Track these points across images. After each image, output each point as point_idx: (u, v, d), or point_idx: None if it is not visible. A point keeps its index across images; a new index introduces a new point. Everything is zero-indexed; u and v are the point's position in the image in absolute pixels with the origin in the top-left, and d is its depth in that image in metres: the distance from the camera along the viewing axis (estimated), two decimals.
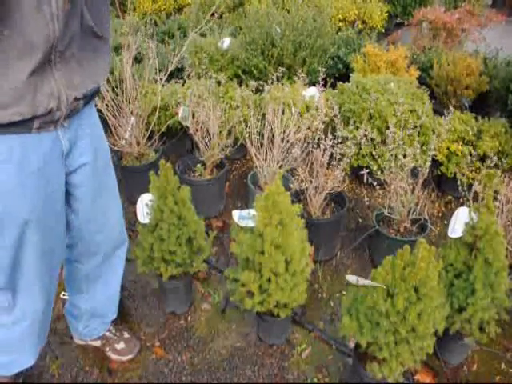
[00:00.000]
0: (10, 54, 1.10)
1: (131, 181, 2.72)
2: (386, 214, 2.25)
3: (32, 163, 1.27)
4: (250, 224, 1.68)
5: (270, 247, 1.57)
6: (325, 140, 2.20)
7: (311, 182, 2.23)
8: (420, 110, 2.56)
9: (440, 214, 2.69)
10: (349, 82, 2.99)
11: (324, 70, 2.75)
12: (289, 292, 1.68)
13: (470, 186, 2.36)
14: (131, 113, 2.59)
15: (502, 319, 1.69)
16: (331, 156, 2.24)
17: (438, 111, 2.92)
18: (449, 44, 3.86)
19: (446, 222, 2.59)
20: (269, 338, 1.95)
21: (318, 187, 2.23)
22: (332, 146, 2.22)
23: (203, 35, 3.75)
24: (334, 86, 3.07)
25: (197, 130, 2.53)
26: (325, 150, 2.21)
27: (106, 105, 2.53)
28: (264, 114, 2.48)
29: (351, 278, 1.50)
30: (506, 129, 2.66)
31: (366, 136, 2.36)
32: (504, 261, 1.58)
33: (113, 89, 2.55)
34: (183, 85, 2.99)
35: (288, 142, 2.38)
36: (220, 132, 2.54)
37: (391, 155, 2.23)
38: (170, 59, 2.70)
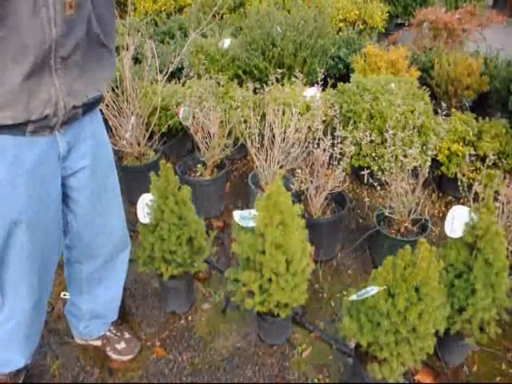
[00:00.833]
0: (6, 57, 1.09)
1: (132, 181, 2.72)
2: (386, 214, 2.25)
3: (25, 164, 1.26)
4: (251, 224, 1.67)
5: (270, 247, 1.57)
6: (324, 140, 2.20)
7: (312, 182, 2.23)
8: (420, 111, 2.56)
9: (440, 215, 2.68)
10: (349, 82, 2.99)
11: (324, 70, 2.75)
12: (289, 292, 1.68)
13: (470, 186, 2.35)
14: (131, 113, 2.59)
15: (503, 320, 1.69)
16: (331, 156, 2.24)
17: (439, 111, 2.92)
18: (449, 44, 3.85)
19: None
20: (269, 338, 1.95)
21: (318, 187, 2.23)
22: (332, 146, 2.22)
23: (204, 36, 3.75)
24: (334, 87, 3.07)
25: (197, 131, 2.53)
26: (325, 150, 2.21)
27: (107, 105, 2.53)
28: (264, 114, 2.48)
29: (351, 298, 1.50)
30: (506, 129, 2.66)
31: (366, 137, 2.36)
32: (504, 261, 1.58)
33: (113, 89, 2.55)
34: (183, 85, 3.00)
35: (288, 142, 2.39)
36: (221, 132, 2.54)
37: (391, 156, 2.23)
38: (171, 59, 2.70)
